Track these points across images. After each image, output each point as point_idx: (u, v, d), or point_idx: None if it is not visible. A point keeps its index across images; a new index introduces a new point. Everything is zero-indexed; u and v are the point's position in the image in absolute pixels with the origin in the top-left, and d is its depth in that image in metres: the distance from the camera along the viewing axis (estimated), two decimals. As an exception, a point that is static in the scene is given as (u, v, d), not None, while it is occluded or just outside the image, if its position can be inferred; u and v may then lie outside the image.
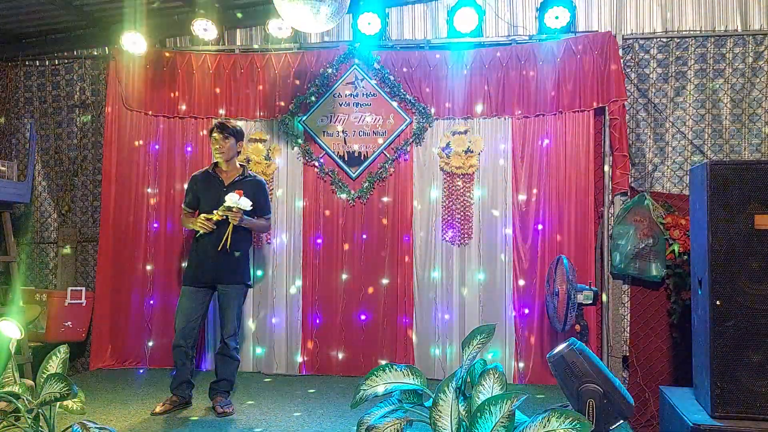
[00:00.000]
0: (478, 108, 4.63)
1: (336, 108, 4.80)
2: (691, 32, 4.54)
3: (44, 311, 4.78)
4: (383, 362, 4.03)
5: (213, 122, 4.81)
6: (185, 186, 4.10)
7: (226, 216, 3.60)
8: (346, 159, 4.78)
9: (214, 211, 3.63)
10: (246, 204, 3.60)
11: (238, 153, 3.89)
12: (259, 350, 4.78)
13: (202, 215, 3.69)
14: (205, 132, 4.84)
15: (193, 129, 4.93)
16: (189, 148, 4.92)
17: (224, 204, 3.58)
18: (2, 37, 5.18)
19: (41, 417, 2.56)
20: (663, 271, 4.33)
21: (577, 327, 3.98)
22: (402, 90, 4.70)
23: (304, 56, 4.83)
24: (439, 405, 2.12)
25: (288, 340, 4.75)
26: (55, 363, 2.70)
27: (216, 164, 3.84)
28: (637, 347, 4.46)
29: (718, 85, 4.47)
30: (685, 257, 4.18)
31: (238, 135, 3.83)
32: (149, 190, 4.92)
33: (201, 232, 3.68)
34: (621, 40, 4.57)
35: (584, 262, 4.44)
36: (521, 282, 4.54)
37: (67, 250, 5.09)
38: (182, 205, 3.97)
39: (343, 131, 4.79)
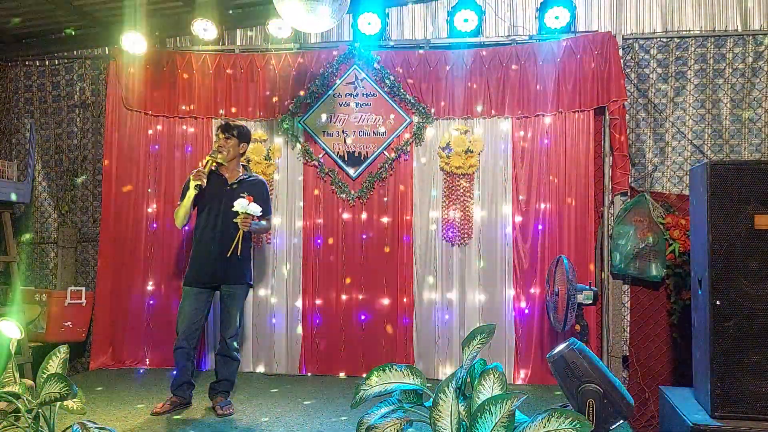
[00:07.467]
0: (478, 108, 4.63)
1: (336, 108, 4.80)
2: (691, 32, 4.54)
3: (44, 311, 4.77)
4: (383, 362, 4.02)
5: (214, 122, 4.84)
6: (185, 182, 3.89)
7: (236, 222, 3.60)
8: (346, 159, 4.78)
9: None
10: (256, 210, 3.61)
11: (242, 154, 3.87)
12: (259, 350, 4.77)
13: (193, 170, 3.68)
14: (205, 132, 4.87)
15: (193, 129, 4.93)
16: (189, 148, 4.91)
17: (233, 209, 3.59)
18: (2, 37, 5.18)
19: (41, 417, 2.56)
20: (663, 271, 4.33)
21: (577, 327, 3.97)
22: (402, 90, 4.69)
23: (304, 56, 4.82)
24: (439, 405, 2.12)
25: (288, 340, 4.75)
26: (55, 363, 2.69)
27: (219, 163, 3.83)
28: (637, 347, 4.46)
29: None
30: (685, 257, 4.18)
31: (243, 136, 3.81)
32: (149, 190, 4.91)
33: (198, 184, 3.62)
34: (621, 40, 4.56)
35: (584, 262, 4.44)
36: (521, 281, 4.54)
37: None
38: (179, 202, 3.84)
39: (343, 131, 4.79)
